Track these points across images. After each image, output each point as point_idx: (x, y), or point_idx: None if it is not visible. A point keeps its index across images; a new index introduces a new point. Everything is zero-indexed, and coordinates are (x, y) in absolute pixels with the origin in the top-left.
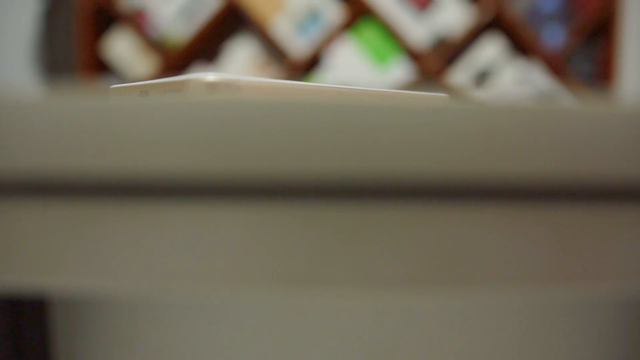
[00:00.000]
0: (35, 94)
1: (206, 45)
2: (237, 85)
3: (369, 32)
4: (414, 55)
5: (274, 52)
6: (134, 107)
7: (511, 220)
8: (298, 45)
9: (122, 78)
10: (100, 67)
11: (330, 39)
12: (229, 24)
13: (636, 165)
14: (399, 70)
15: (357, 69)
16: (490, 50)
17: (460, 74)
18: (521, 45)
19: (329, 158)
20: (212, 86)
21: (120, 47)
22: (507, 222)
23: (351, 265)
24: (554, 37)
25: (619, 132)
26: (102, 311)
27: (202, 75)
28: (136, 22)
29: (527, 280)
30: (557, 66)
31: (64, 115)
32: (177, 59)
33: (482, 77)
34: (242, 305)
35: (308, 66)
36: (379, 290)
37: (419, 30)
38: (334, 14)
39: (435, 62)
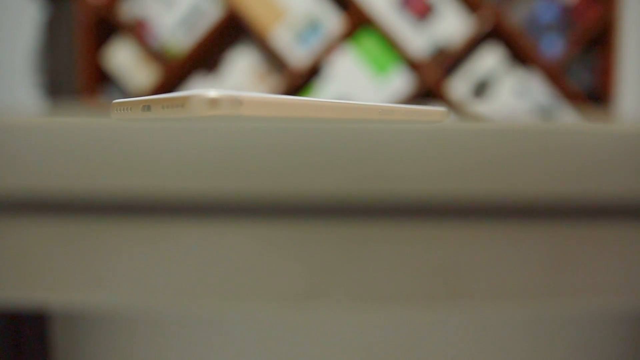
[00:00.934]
0: (39, 114)
1: (207, 55)
2: (239, 101)
3: (368, 42)
4: (414, 65)
5: (274, 61)
6: (138, 127)
7: (506, 237)
8: (298, 55)
9: (123, 87)
10: (101, 77)
11: (330, 48)
12: (229, 34)
13: (628, 184)
14: (399, 80)
15: (357, 79)
16: (490, 59)
17: (459, 84)
18: (520, 55)
19: (330, 179)
20: (213, 102)
21: (121, 56)
22: (503, 239)
23: (352, 281)
24: (553, 47)
25: (612, 151)
26: (101, 325)
27: (204, 91)
28: (137, 32)
29: (523, 296)
30: (556, 76)
31: (69, 136)
32: (178, 69)
33: (482, 87)
34: (241, 319)
35: (308, 76)
36: (379, 305)
37: (419, 40)
38: (333, 24)
39: (434, 71)
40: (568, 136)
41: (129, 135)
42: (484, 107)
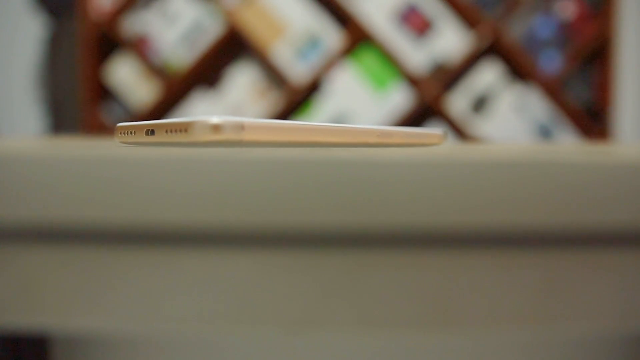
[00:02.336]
0: (42, 143)
1: (207, 71)
2: (241, 126)
3: (368, 58)
4: (413, 81)
5: (275, 77)
6: (140, 158)
7: (501, 265)
8: (298, 71)
9: (124, 103)
10: (102, 92)
11: (330, 64)
12: (230, 50)
13: (619, 214)
14: (398, 96)
15: (357, 95)
16: (488, 75)
17: (458, 99)
18: (518, 70)
19: (330, 210)
20: (216, 128)
21: (123, 72)
22: (498, 267)
23: (351, 307)
24: (551, 63)
25: (605, 182)
26: (102, 349)
27: (207, 117)
28: (139, 48)
29: (518, 321)
30: (554, 91)
31: (72, 166)
32: (179, 85)
33: (481, 102)
34: (242, 344)
35: (308, 92)
36: (376, 331)
37: (418, 56)
38: (333, 40)
39: (434, 87)
40: (561, 168)
41: (131, 166)
42: (483, 124)
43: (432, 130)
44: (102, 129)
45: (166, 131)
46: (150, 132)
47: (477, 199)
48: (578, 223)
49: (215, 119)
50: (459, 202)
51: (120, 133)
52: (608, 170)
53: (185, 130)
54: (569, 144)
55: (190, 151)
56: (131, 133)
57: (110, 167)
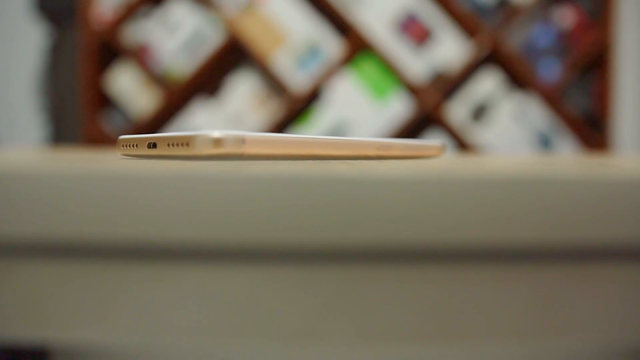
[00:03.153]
0: (44, 158)
1: (208, 80)
2: (242, 140)
3: (368, 67)
4: (413, 89)
5: (275, 86)
6: (140, 174)
7: (499, 280)
8: (298, 79)
9: (125, 111)
10: (103, 101)
11: (329, 73)
12: (230, 59)
13: (613, 229)
14: (398, 104)
15: (357, 103)
16: (488, 84)
17: (458, 108)
18: (518, 79)
19: (328, 226)
20: (217, 142)
21: (124, 81)
22: (496, 282)
23: (349, 320)
24: (550, 71)
25: (598, 199)
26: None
27: (209, 131)
28: (139, 56)
29: (515, 336)
30: (554, 99)
31: (73, 183)
32: (180, 93)
33: (480, 111)
34: (239, 356)
35: (308, 100)
36: (374, 344)
37: (417, 65)
38: (333, 49)
39: (433, 96)
40: (559, 185)
41: (131, 182)
42: (482, 133)
43: (431, 142)
44: (103, 137)
45: (168, 145)
46: (152, 145)
47: (475, 215)
48: (574, 238)
49: (216, 133)
50: (456, 218)
51: (123, 146)
52: (605, 187)
53: (187, 144)
54: (567, 156)
55: (191, 167)
56: (133, 146)
57: (110, 183)
